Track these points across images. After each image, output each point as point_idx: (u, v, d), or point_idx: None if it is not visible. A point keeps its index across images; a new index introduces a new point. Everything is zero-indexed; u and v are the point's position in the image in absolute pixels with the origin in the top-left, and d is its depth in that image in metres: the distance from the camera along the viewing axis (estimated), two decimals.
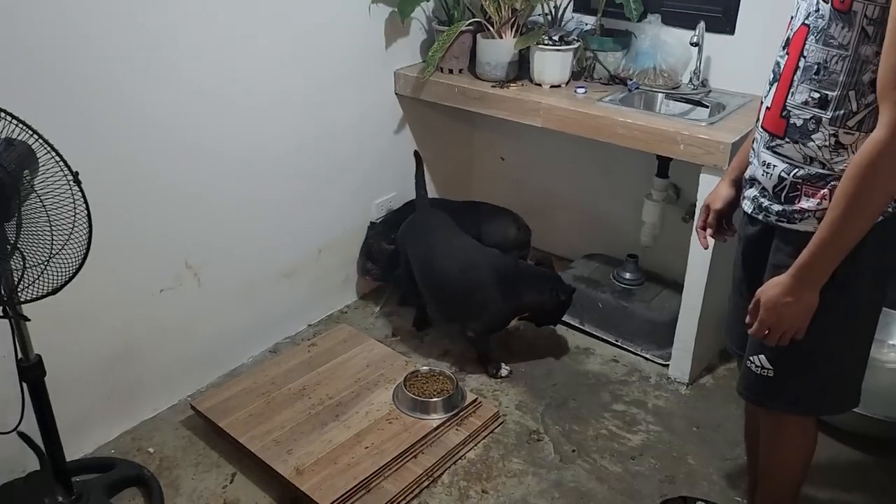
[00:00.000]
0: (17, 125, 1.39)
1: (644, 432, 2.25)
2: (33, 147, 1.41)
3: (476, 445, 2.19)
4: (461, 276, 2.44)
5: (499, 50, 2.59)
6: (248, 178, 2.36)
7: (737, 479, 2.05)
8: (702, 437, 2.23)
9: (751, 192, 1.47)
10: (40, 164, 1.41)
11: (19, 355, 1.67)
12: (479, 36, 2.65)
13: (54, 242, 1.42)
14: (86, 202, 1.41)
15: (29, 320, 1.63)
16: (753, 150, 1.46)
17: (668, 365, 2.51)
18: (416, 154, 2.74)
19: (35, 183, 1.42)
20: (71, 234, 1.43)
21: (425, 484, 2.04)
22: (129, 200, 2.03)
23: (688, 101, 2.47)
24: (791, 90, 1.34)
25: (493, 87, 2.57)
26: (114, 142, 1.95)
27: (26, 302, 1.56)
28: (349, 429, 2.14)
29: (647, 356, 2.59)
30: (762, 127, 1.41)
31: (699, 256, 2.27)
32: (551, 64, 2.53)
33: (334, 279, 2.83)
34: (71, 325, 1.96)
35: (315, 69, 2.46)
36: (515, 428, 2.26)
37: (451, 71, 2.72)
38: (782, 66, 1.37)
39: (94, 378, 2.10)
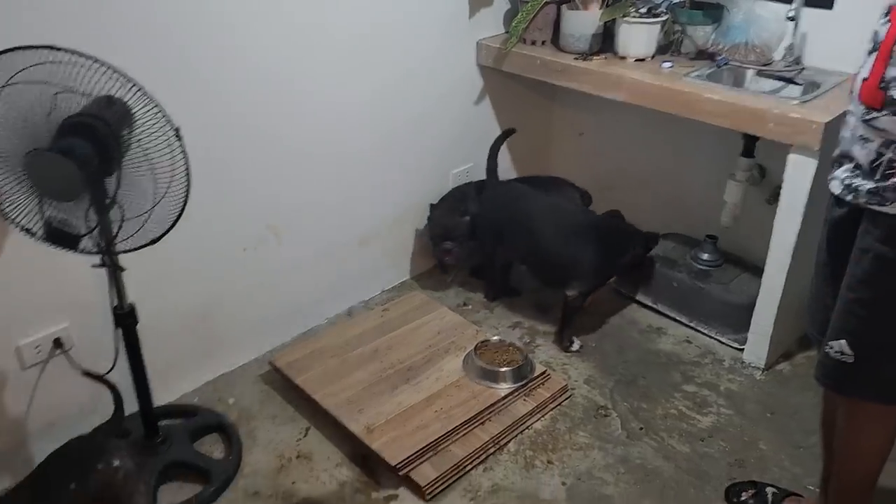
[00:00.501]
0: (120, 78, 1.46)
1: (715, 414, 2.22)
2: (133, 101, 1.48)
3: (543, 417, 2.20)
4: (562, 237, 2.50)
5: (583, 21, 2.55)
6: (328, 143, 2.41)
7: (810, 467, 2.00)
8: (775, 424, 2.18)
9: (840, 172, 1.41)
10: (141, 118, 1.48)
11: (115, 303, 1.77)
12: (563, 7, 2.61)
13: (154, 195, 1.50)
14: (185, 157, 1.47)
15: (124, 270, 1.73)
16: (847, 124, 1.41)
17: (743, 349, 2.46)
18: (508, 131, 2.72)
19: (135, 138, 1.50)
20: (168, 188, 1.51)
21: (491, 450, 2.07)
22: (218, 160, 2.11)
23: (780, 78, 2.38)
24: (891, 61, 1.28)
25: (575, 59, 2.54)
26: (208, 102, 2.03)
27: (123, 252, 1.66)
28: (419, 392, 2.19)
29: (722, 339, 2.54)
30: (858, 99, 1.36)
31: (783, 239, 2.20)
32: (637, 37, 2.48)
33: (409, 246, 2.87)
34: (162, 279, 2.06)
35: (401, 36, 2.48)
36: (583, 402, 2.27)
37: (533, 42, 2.70)
38: (882, 36, 1.30)
39: (181, 330, 2.21)
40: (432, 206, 2.79)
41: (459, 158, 2.88)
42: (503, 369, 2.23)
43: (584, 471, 2.01)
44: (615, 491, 1.95)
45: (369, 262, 2.73)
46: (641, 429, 2.16)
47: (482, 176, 2.74)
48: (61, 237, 1.59)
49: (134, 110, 1.48)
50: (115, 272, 1.72)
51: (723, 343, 2.53)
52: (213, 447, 2.08)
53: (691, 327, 2.61)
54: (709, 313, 2.58)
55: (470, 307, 2.75)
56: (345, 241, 2.61)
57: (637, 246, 2.56)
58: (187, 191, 1.52)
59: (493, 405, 2.15)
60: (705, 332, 2.58)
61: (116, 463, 1.53)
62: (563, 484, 1.98)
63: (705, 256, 2.70)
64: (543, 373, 2.29)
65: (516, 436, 2.13)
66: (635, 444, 2.11)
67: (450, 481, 1.97)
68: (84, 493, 1.47)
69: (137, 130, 1.49)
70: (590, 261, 2.47)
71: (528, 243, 2.55)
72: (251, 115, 2.16)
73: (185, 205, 1.54)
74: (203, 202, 2.05)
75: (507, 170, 2.97)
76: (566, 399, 2.27)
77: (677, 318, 2.65)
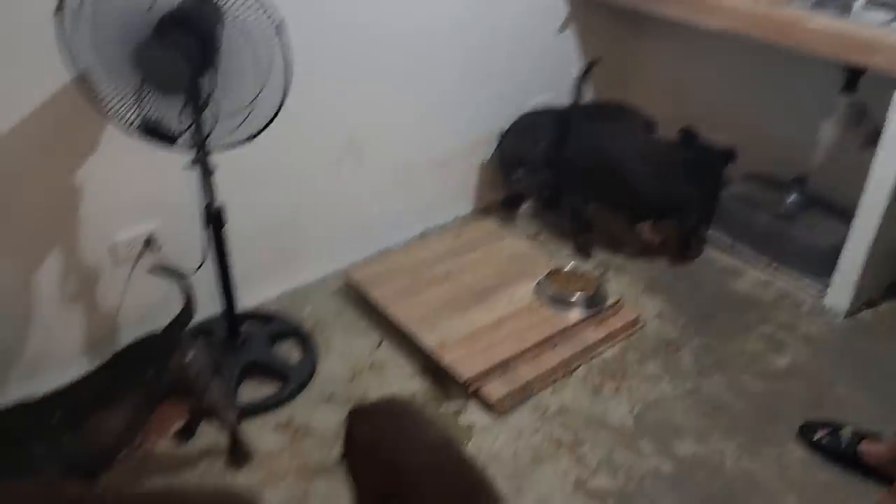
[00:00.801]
0: None
1: (791, 356, 2.17)
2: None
3: (613, 346, 2.20)
4: (663, 177, 2.47)
5: None
6: (412, 63, 2.40)
7: (890, 413, 1.95)
8: (855, 369, 2.13)
9: None
10: (241, 13, 1.48)
11: (205, 203, 1.83)
12: None
13: (250, 93, 1.52)
14: (285, 54, 1.48)
15: (215, 170, 1.77)
16: None
17: (824, 295, 2.39)
18: (593, 61, 2.65)
19: (233, 34, 1.51)
20: (263, 87, 1.53)
21: (560, 374, 2.08)
22: (307, 68, 2.11)
23: (893, 7, 2.24)
24: None
25: None
26: (301, 10, 2.03)
27: (216, 151, 1.69)
28: (490, 314, 2.21)
29: (802, 283, 2.46)
30: None
31: (881, 181, 2.11)
32: None
33: (485, 174, 2.86)
34: (249, 184, 2.10)
35: None
36: (655, 335, 2.25)
37: None
38: None
39: (263, 238, 2.26)
40: (503, 133, 2.73)
41: (539, 87, 2.83)
42: (575, 296, 2.23)
43: (653, 400, 2.01)
44: (684, 421, 1.95)
45: (444, 187, 2.74)
46: (713, 365, 2.14)
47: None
48: (158, 134, 1.64)
49: (233, 4, 1.48)
50: (206, 171, 1.76)
51: (803, 287, 2.45)
52: (289, 352, 2.15)
53: (770, 270, 2.54)
54: (791, 257, 2.51)
55: (542, 238, 2.73)
56: (422, 164, 2.61)
57: (723, 165, 2.54)
58: (285, 90, 1.53)
59: (563, 330, 2.16)
60: (785, 275, 2.51)
61: (190, 359, 1.59)
62: (631, 411, 1.98)
63: (791, 198, 2.61)
64: (616, 303, 2.28)
65: (585, 362, 2.14)
66: (706, 378, 2.09)
67: (518, 400, 2.00)
68: (159, 382, 1.54)
69: (237, 25, 1.50)
70: (695, 192, 2.47)
71: (628, 191, 2.48)
72: (341, 28, 2.16)
73: (281, 105, 1.55)
74: (292, 109, 2.07)
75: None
76: (637, 331, 2.26)
77: (756, 260, 2.58)
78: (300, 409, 1.97)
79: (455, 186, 2.78)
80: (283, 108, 1.58)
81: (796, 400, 2.01)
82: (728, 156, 2.53)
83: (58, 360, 1.94)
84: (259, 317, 2.23)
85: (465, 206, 2.87)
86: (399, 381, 2.07)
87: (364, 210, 2.51)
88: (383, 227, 2.60)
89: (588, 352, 2.15)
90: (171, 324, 1.64)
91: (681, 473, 1.80)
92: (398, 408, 1.49)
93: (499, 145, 2.74)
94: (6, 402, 1.47)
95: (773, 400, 2.01)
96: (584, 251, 2.63)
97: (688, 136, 2.59)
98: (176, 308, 1.66)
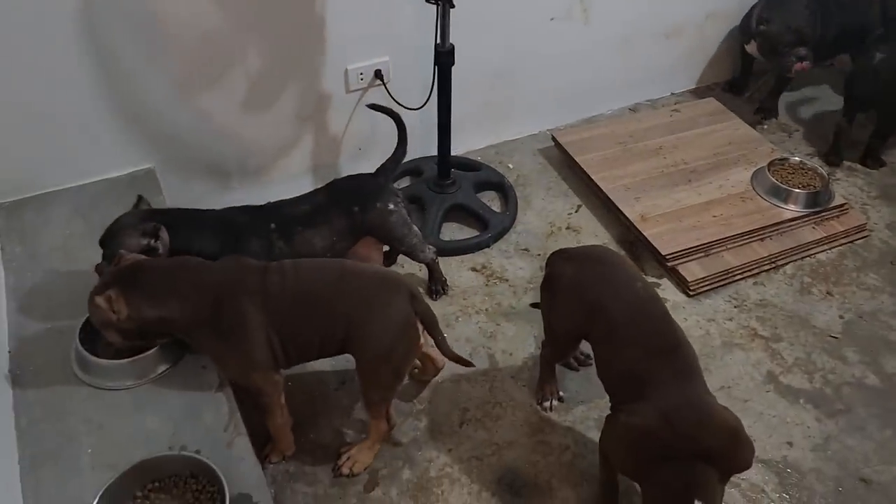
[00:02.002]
0: None
1: None
2: None
3: (830, 249, 2.05)
4: None
5: None
6: None
7: None
8: None
9: None
10: None
11: (438, 40, 1.85)
12: None
13: None
14: None
15: (454, 7, 1.77)
16: None
17: None
18: None
19: None
20: None
21: (766, 267, 1.99)
22: None
23: None
24: None
25: None
26: None
27: None
28: (700, 195, 2.12)
29: None
30: None
31: None
32: None
33: (713, 51, 2.66)
34: (474, 32, 2.09)
35: None
36: (881, 246, 2.07)
37: None
38: None
39: (478, 88, 2.28)
40: (763, 6, 2.38)
41: None
42: (797, 190, 2.07)
43: (869, 311, 1.88)
44: None
45: (669, 59, 2.58)
46: None
47: None
48: None
49: None
50: (445, 9, 1.77)
51: None
52: (491, 202, 2.21)
53: None
54: None
55: (766, 127, 2.53)
56: (650, 31, 2.47)
57: None
58: None
59: (777, 224, 2.03)
60: None
61: (391, 206, 1.67)
62: (841, 317, 1.86)
63: None
64: (842, 205, 2.10)
65: (796, 260, 2.02)
66: None
67: (716, 284, 1.94)
68: (363, 219, 1.64)
69: None
70: None
71: None
72: None
73: None
74: None
75: None
76: (861, 238, 2.08)
77: None
78: (496, 256, 2.04)
79: (677, 60, 2.61)
80: None
81: None
82: None
83: (288, 174, 2.12)
84: (467, 164, 2.28)
85: (684, 82, 2.71)
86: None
87: (579, 72, 2.43)
88: (595, 93, 2.53)
89: (800, 250, 2.03)
90: (383, 166, 1.72)
91: (887, 390, 1.70)
92: (607, 256, 1.50)
93: (762, 17, 2.36)
94: (239, 204, 1.65)
95: None
96: (836, 155, 2.37)
97: None
98: (389, 148, 1.73)
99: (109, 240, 1.49)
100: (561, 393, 1.67)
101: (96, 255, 1.66)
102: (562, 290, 1.46)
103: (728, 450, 1.22)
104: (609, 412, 1.37)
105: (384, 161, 1.73)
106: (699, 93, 2.70)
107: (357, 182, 1.71)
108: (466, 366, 1.55)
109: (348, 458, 1.53)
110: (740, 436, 1.24)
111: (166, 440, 1.30)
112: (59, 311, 1.52)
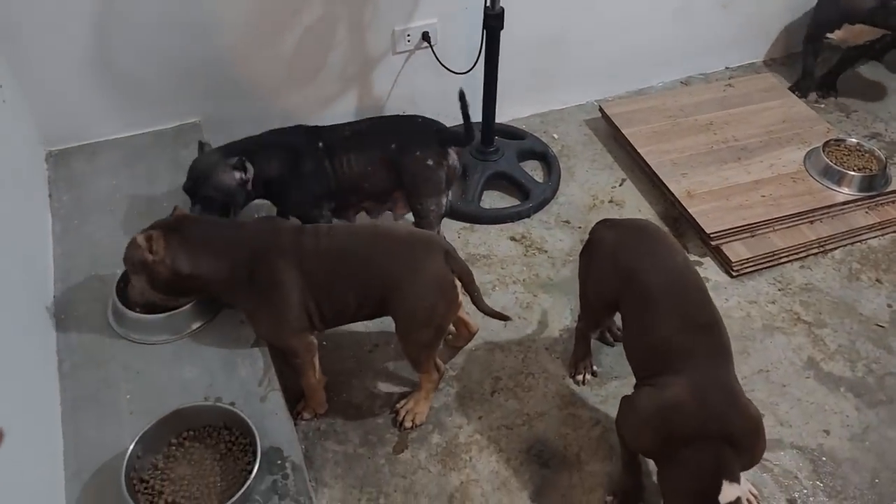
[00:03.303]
0: None
1: None
2: None
3: (883, 236, 1.98)
4: None
5: None
6: None
7: None
8: None
9: None
10: None
11: (487, 3, 1.81)
12: None
13: None
14: None
15: None
16: None
17: None
18: None
19: None
20: None
21: (814, 251, 1.93)
22: None
23: None
24: None
25: None
26: None
27: None
28: (749, 174, 2.06)
29: None
30: None
31: None
32: None
33: (771, 26, 2.57)
34: None
35: None
36: None
37: None
38: None
39: (526, 55, 2.23)
40: None
41: None
42: (853, 173, 2.00)
43: None
44: None
45: (725, 31, 2.49)
46: None
47: None
48: None
49: None
50: None
51: None
52: (534, 171, 2.17)
53: None
54: None
55: (823, 106, 2.44)
56: (707, 0, 2.38)
57: None
58: None
59: (829, 207, 1.97)
60: None
61: (430, 162, 1.65)
62: (890, 306, 1.81)
63: None
64: None
65: (846, 245, 1.96)
66: None
67: (760, 266, 1.89)
68: (398, 160, 1.65)
69: None
70: None
71: None
72: None
73: None
74: None
75: None
76: None
77: None
78: (536, 226, 2.02)
79: (734, 33, 2.52)
80: None
81: None
82: None
83: None
84: (511, 132, 2.25)
85: (740, 56, 2.62)
86: None
87: (631, 41, 2.36)
88: (647, 63, 2.46)
89: (851, 235, 1.96)
90: (448, 129, 1.70)
91: None
92: (650, 227, 1.47)
93: None
94: (289, 126, 1.69)
95: None
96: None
97: None
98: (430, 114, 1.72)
99: (202, 182, 1.55)
100: (595, 367, 1.66)
101: (141, 205, 1.68)
102: (599, 254, 1.44)
103: (751, 442, 1.19)
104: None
105: (456, 125, 1.71)
106: (754, 68, 2.61)
107: (410, 123, 1.71)
108: (503, 319, 1.55)
109: (407, 413, 1.55)
110: (762, 432, 1.21)
111: (202, 391, 1.32)
112: (103, 259, 1.54)
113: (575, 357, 1.65)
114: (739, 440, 1.17)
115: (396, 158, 1.65)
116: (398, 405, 1.57)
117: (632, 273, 1.35)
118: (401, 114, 1.90)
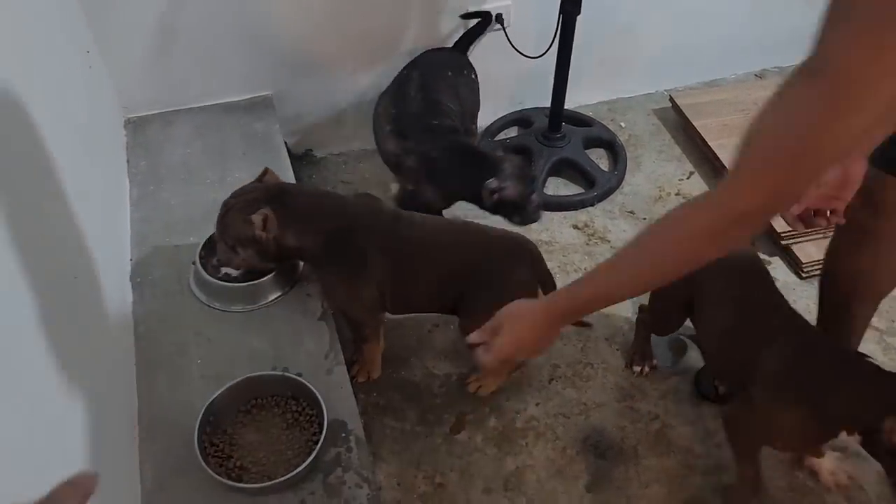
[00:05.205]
0: None
1: None
2: None
3: None
4: None
5: None
6: None
7: None
8: None
9: None
10: None
11: None
12: None
13: None
14: None
15: None
16: None
17: None
18: None
19: None
20: None
21: None
22: None
23: None
24: None
25: None
26: None
27: None
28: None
29: None
30: None
31: None
32: None
33: None
34: None
35: None
36: None
37: None
38: None
39: (598, 41, 2.17)
40: None
41: None
42: None
43: None
44: None
45: (804, 24, 2.32)
46: None
47: None
48: None
49: None
50: None
51: None
52: (600, 160, 2.15)
53: None
54: None
55: None
56: None
57: None
58: None
59: None
60: None
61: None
62: None
63: None
64: None
65: None
66: None
67: None
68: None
69: None
70: None
71: None
72: None
73: None
74: None
75: None
76: None
77: None
78: (599, 215, 2.00)
79: (813, 26, 2.42)
80: None
81: None
82: None
83: None
84: (578, 119, 2.22)
85: None
86: None
87: (707, 30, 2.30)
88: (719, 56, 2.39)
89: None
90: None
91: None
92: None
93: None
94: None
95: None
96: None
97: None
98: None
99: None
100: (655, 361, 1.64)
101: (213, 174, 1.72)
102: None
103: None
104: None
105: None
106: None
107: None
108: (583, 326, 1.61)
109: (477, 380, 1.58)
110: None
111: (270, 361, 1.35)
112: (177, 225, 1.58)
113: (634, 347, 1.64)
114: None
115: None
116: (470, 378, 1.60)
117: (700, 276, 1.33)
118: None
